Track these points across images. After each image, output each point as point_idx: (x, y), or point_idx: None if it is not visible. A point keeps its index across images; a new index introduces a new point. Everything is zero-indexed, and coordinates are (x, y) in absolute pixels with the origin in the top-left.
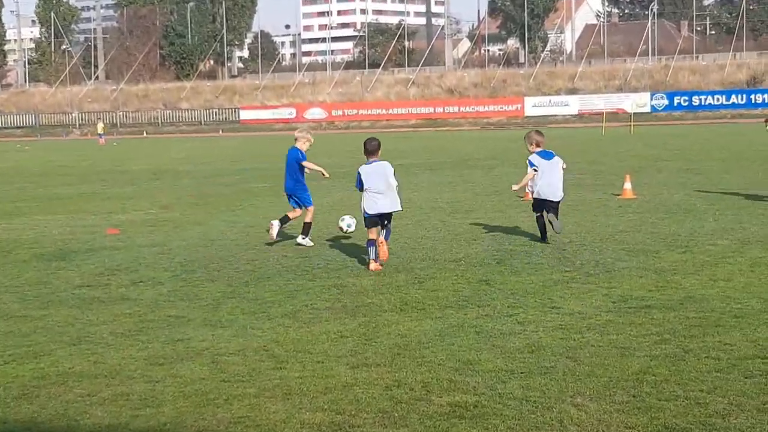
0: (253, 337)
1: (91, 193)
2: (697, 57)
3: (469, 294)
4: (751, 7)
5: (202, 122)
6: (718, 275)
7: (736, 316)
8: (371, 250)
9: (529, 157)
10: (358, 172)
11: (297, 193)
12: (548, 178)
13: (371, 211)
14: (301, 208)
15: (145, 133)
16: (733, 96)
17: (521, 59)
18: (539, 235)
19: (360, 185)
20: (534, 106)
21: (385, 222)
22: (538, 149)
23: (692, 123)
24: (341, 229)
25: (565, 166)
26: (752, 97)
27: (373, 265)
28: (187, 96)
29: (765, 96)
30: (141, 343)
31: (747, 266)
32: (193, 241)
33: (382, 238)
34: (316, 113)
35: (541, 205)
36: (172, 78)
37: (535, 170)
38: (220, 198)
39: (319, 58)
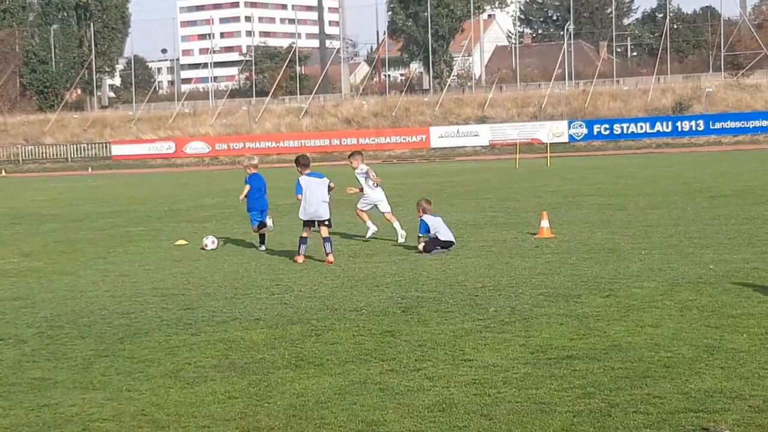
0: (130, 401)
1: None
2: (618, 81)
3: (372, 347)
4: (675, 26)
5: (69, 159)
6: (646, 321)
7: (666, 365)
8: (302, 247)
9: (422, 218)
10: (298, 181)
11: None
12: (443, 230)
13: (305, 217)
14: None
15: (3, 171)
16: (658, 123)
17: (425, 85)
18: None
19: (300, 192)
20: (441, 137)
21: (316, 223)
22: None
23: (614, 153)
24: (205, 246)
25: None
26: (678, 124)
27: (300, 258)
28: (52, 130)
29: (692, 123)
30: (1, 410)
31: (676, 310)
32: (59, 294)
33: (330, 257)
34: (197, 147)
35: (438, 243)
36: (35, 109)
37: (432, 232)
38: (89, 244)
39: (201, 86)
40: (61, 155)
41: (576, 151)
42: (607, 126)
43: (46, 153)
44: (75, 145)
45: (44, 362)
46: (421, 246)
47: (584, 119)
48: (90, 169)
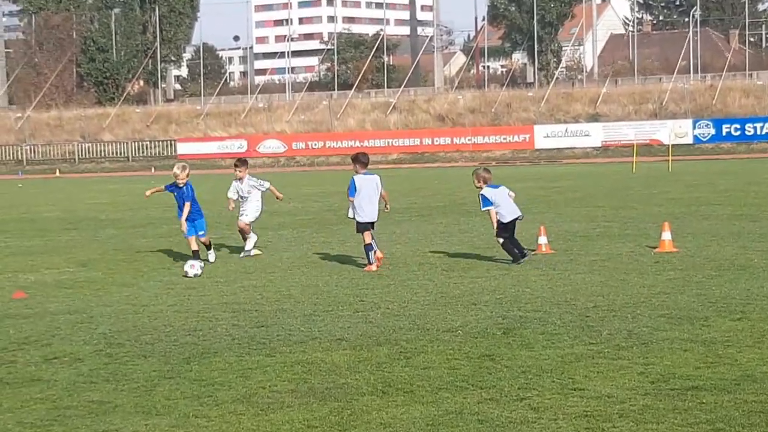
0: (198, 428)
1: None
2: (750, 75)
3: (469, 372)
4: None
5: (130, 157)
6: None
7: None
8: (370, 254)
9: (481, 192)
10: (352, 180)
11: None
12: (504, 203)
13: (362, 219)
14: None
15: (58, 171)
16: None
17: (530, 78)
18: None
19: (353, 193)
20: (546, 137)
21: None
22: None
23: (745, 157)
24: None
25: (512, 194)
26: None
27: (374, 266)
28: (111, 125)
29: None
30: None
31: None
32: (119, 308)
33: (379, 253)
34: (272, 146)
35: (506, 229)
36: (93, 103)
37: (492, 203)
38: (152, 253)
39: (277, 78)
40: (121, 153)
41: (701, 154)
42: (737, 126)
43: (104, 151)
44: (137, 143)
45: (103, 383)
46: (500, 240)
47: (711, 118)
48: (153, 170)
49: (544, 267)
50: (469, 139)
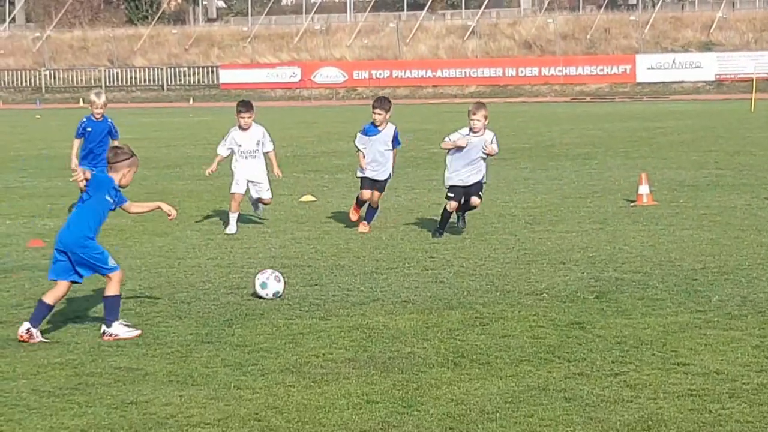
0: (240, 401)
1: (3, 188)
2: None
3: (555, 343)
4: None
5: (165, 86)
6: None
7: None
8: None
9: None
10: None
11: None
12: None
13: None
14: None
15: (82, 101)
16: None
17: (632, 0)
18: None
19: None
20: (650, 68)
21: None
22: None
23: None
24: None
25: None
26: None
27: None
28: (144, 48)
29: None
30: (77, 407)
31: None
32: (151, 261)
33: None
34: (330, 75)
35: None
36: (123, 22)
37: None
38: (190, 197)
39: None
40: (155, 81)
41: None
42: None
43: (136, 78)
44: (173, 69)
45: (131, 348)
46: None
47: None
48: (192, 101)
49: (644, 221)
50: (560, 70)
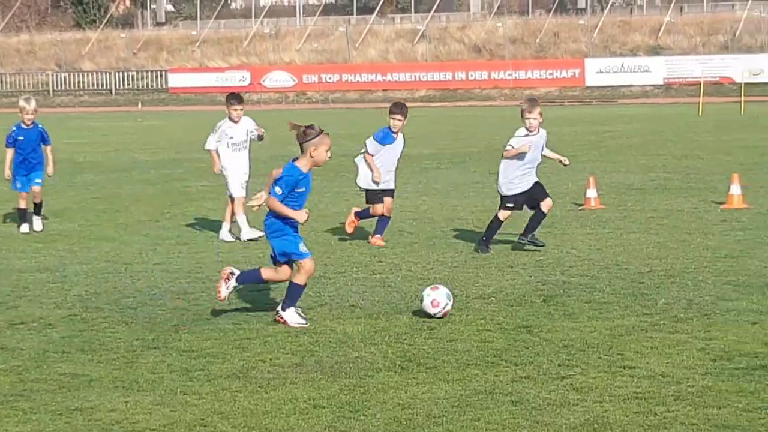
0: (186, 406)
1: None
2: None
3: (503, 346)
4: None
5: (113, 90)
6: None
7: None
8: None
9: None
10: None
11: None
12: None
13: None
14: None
15: None
16: None
17: (581, 4)
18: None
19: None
20: (599, 72)
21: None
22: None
23: None
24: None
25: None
26: None
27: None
28: (92, 52)
29: None
30: (22, 414)
31: None
32: (98, 266)
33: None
34: (280, 79)
35: None
36: (70, 26)
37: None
38: (137, 202)
39: (286, 0)
40: (103, 85)
41: None
42: None
43: (84, 82)
44: (121, 73)
45: (76, 353)
46: None
47: None
48: (140, 105)
49: (592, 225)
50: (509, 74)
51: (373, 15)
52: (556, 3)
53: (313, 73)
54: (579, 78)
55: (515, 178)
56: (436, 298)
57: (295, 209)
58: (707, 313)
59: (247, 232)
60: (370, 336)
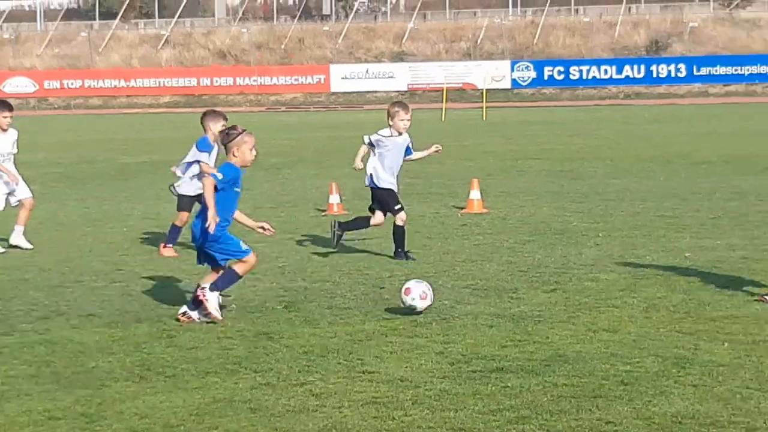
0: None
1: None
2: (576, 11)
3: (243, 354)
4: None
5: None
6: (600, 324)
7: (624, 382)
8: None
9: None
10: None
11: None
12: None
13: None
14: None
15: None
16: (627, 67)
17: (326, 10)
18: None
19: None
20: (344, 78)
21: None
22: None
23: (570, 104)
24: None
25: None
26: (654, 68)
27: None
28: None
29: (671, 67)
30: None
31: (640, 311)
32: None
33: None
34: (20, 85)
35: None
36: None
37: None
38: None
39: (26, 3)
40: None
41: (521, 101)
42: (561, 69)
43: None
44: None
45: None
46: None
47: (532, 59)
48: None
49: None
50: (254, 80)
51: (116, 20)
52: (301, 9)
53: (54, 79)
54: (324, 84)
55: (387, 177)
56: (424, 291)
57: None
58: (446, 317)
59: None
60: (108, 345)
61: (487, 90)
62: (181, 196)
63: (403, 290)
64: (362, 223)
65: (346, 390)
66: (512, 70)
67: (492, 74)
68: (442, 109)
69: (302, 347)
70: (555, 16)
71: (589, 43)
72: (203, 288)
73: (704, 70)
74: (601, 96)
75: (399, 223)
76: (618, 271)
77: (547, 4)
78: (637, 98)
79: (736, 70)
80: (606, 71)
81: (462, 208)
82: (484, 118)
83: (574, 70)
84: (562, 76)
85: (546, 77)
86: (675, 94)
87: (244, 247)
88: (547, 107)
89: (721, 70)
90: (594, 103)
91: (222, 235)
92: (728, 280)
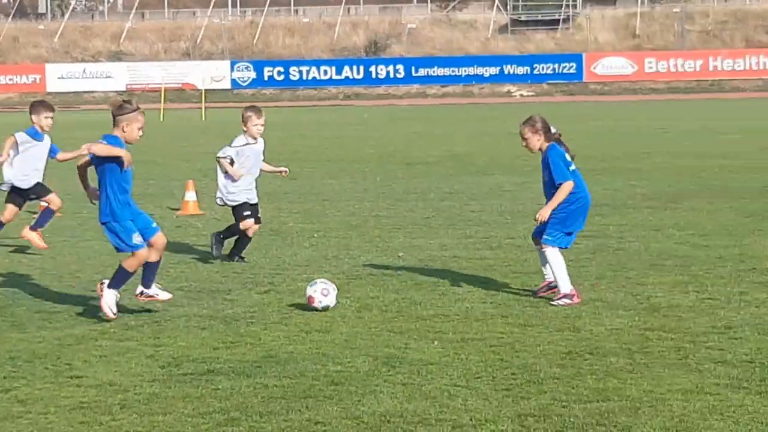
0: None
1: None
2: (296, 11)
3: None
4: None
5: None
6: (312, 324)
7: (335, 382)
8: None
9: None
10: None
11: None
12: None
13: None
14: None
15: None
16: (347, 68)
17: (41, 8)
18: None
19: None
20: (61, 78)
21: None
22: None
23: (291, 105)
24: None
25: None
26: (373, 69)
27: None
28: None
29: (390, 68)
30: None
31: (353, 311)
32: None
33: None
34: None
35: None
36: None
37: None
38: None
39: None
40: None
41: (241, 101)
42: (281, 69)
43: None
44: None
45: None
46: None
47: (252, 59)
48: None
49: (48, 233)
50: None
51: None
52: (16, 7)
53: None
54: (40, 84)
55: (239, 192)
56: (324, 289)
57: (123, 191)
58: (158, 320)
59: None
60: None
61: (207, 90)
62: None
63: (307, 300)
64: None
65: (52, 395)
66: (232, 70)
67: (212, 74)
68: (160, 109)
69: (9, 353)
70: (275, 16)
71: (308, 43)
72: (103, 283)
73: (422, 71)
74: (320, 97)
75: (242, 226)
76: (332, 272)
77: (267, 5)
78: (357, 99)
79: (453, 71)
80: (326, 72)
81: (177, 210)
82: (203, 119)
83: (294, 70)
84: (282, 77)
85: (266, 77)
86: (394, 95)
87: (135, 241)
88: (268, 107)
89: (438, 71)
90: (314, 104)
91: (120, 220)
92: (440, 279)
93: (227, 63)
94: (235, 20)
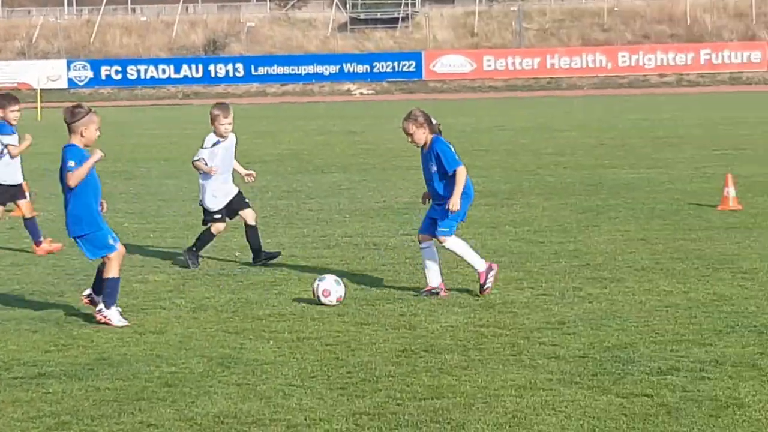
0: None
1: None
2: (134, 10)
3: None
4: None
5: None
6: (147, 325)
7: (168, 383)
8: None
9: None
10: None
11: None
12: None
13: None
14: None
15: None
16: (185, 67)
17: None
18: None
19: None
20: None
21: None
22: None
23: (128, 104)
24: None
25: None
26: (212, 68)
27: None
28: None
29: (229, 67)
30: None
31: (188, 311)
32: None
33: None
34: None
35: None
36: None
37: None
38: None
39: None
40: None
41: (78, 101)
42: (118, 68)
43: None
44: None
45: None
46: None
47: (89, 59)
48: None
49: None
50: None
51: None
52: None
53: None
54: None
55: (217, 190)
56: (327, 288)
57: (90, 202)
58: None
59: None
60: None
61: (43, 90)
62: None
63: (321, 293)
64: (208, 238)
65: None
66: (68, 69)
67: (47, 74)
68: None
69: None
70: (112, 15)
71: (146, 42)
72: (100, 311)
73: (262, 70)
74: (159, 96)
75: (213, 231)
76: (167, 272)
77: (104, 3)
78: (196, 98)
79: (293, 69)
80: (164, 71)
81: (11, 211)
82: (38, 119)
83: (132, 69)
84: (119, 76)
85: (103, 77)
86: (233, 94)
87: (110, 242)
88: (104, 107)
89: (278, 69)
90: (152, 103)
91: (90, 231)
92: (276, 279)
93: (63, 62)
94: (71, 19)
